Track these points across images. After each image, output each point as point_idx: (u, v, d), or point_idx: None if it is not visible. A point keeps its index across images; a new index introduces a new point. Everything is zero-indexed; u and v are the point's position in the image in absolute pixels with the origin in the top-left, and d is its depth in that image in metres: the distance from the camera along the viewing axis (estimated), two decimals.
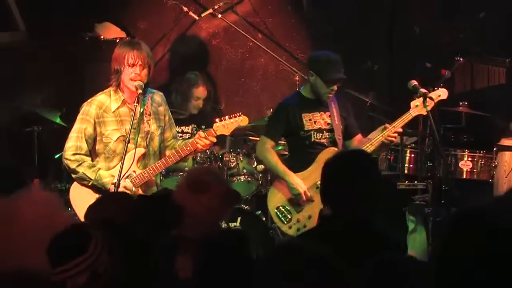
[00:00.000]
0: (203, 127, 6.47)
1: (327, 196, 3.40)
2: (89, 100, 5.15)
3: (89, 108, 5.09)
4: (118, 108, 5.09)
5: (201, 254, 3.00)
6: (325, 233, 3.26)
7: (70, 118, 5.89)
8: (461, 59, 7.14)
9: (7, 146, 7.09)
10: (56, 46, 7.29)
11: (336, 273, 2.26)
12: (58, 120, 6.72)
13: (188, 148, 5.07)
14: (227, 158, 6.52)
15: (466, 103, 6.72)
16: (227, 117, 5.17)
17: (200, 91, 7.09)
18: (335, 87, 5.52)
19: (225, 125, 5.14)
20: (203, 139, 5.04)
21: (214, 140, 5.11)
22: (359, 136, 5.71)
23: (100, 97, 5.12)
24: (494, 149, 6.45)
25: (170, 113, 5.33)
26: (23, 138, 6.89)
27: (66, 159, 5.10)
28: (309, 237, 3.48)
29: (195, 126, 6.79)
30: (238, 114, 5.19)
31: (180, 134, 6.79)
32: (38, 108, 6.95)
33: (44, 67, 7.26)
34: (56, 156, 6.50)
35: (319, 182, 5.47)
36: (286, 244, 2.45)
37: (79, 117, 5.14)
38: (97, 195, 4.91)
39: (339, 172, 3.40)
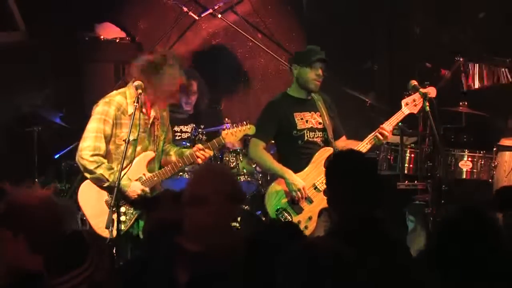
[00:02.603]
0: (202, 127, 6.48)
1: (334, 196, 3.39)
2: (106, 100, 5.03)
3: (109, 109, 4.99)
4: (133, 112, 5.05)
5: (196, 268, 2.93)
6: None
7: (70, 118, 5.90)
8: (461, 59, 7.14)
9: (7, 146, 7.09)
10: (56, 46, 7.30)
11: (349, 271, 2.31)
12: (58, 120, 6.72)
13: (188, 160, 5.17)
14: (227, 158, 6.52)
15: (466, 103, 6.72)
16: (234, 125, 5.34)
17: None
18: (320, 72, 5.48)
19: (233, 133, 5.31)
20: (201, 152, 5.14)
21: (211, 153, 5.24)
22: (344, 137, 5.70)
23: (118, 98, 5.03)
24: (494, 149, 6.45)
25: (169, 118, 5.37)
26: (23, 138, 6.89)
27: (84, 159, 4.96)
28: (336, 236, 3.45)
29: (194, 126, 6.78)
30: (245, 122, 5.35)
31: (179, 134, 6.80)
32: (38, 108, 6.96)
33: (44, 67, 7.26)
34: (56, 156, 6.51)
35: (317, 182, 5.52)
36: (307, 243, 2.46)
37: (96, 116, 5.00)
38: (107, 197, 4.98)
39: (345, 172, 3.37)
